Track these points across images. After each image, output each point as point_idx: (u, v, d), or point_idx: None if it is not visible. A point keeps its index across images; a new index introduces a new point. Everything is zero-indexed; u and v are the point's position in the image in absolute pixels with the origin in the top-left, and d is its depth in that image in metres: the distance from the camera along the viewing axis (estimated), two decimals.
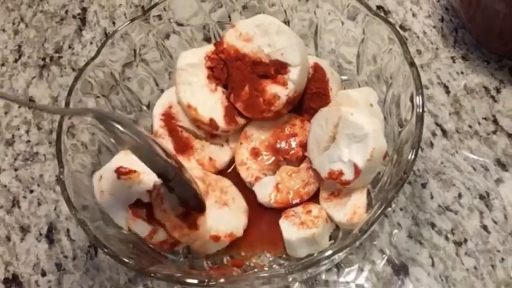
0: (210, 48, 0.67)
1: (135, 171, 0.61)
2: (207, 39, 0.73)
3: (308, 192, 0.63)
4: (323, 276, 0.62)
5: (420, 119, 0.54)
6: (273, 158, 0.65)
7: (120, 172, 0.60)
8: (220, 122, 0.65)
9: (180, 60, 0.66)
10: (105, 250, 0.53)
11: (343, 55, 0.68)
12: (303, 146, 0.64)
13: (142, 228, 0.58)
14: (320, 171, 0.60)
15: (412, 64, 0.56)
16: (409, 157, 0.52)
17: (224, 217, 0.61)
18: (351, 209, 0.58)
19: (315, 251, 0.58)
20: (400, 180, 0.51)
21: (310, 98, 0.66)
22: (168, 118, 0.67)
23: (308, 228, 0.58)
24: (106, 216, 0.58)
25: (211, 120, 0.65)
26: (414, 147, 0.52)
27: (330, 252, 0.50)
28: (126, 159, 0.62)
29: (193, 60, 0.66)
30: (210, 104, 0.65)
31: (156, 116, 0.67)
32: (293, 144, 0.65)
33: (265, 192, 0.63)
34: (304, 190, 0.63)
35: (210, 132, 0.67)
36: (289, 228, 0.59)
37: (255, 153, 0.65)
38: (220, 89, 0.66)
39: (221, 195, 0.63)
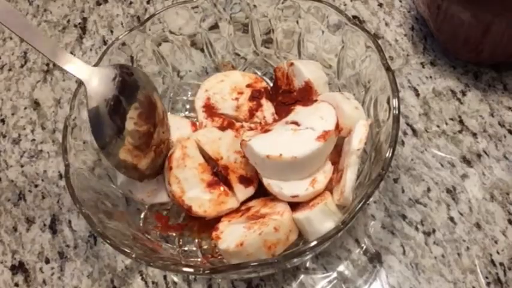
0: None
1: None
2: (194, 44, 0.73)
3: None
4: (307, 264, 0.62)
5: (397, 120, 0.54)
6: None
7: None
8: None
9: None
10: (107, 241, 0.53)
11: (324, 60, 0.67)
12: None
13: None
14: None
15: (388, 69, 0.56)
16: (387, 155, 0.52)
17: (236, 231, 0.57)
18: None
19: (335, 222, 0.54)
20: (378, 176, 0.51)
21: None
22: (209, 108, 0.67)
23: (318, 203, 0.55)
24: (107, 210, 0.58)
25: None
26: (391, 146, 0.52)
27: (314, 242, 0.49)
28: None
29: None
30: None
31: (199, 110, 0.67)
32: None
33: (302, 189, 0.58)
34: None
35: (251, 113, 0.67)
36: (302, 212, 0.56)
37: None
38: None
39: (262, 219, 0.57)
